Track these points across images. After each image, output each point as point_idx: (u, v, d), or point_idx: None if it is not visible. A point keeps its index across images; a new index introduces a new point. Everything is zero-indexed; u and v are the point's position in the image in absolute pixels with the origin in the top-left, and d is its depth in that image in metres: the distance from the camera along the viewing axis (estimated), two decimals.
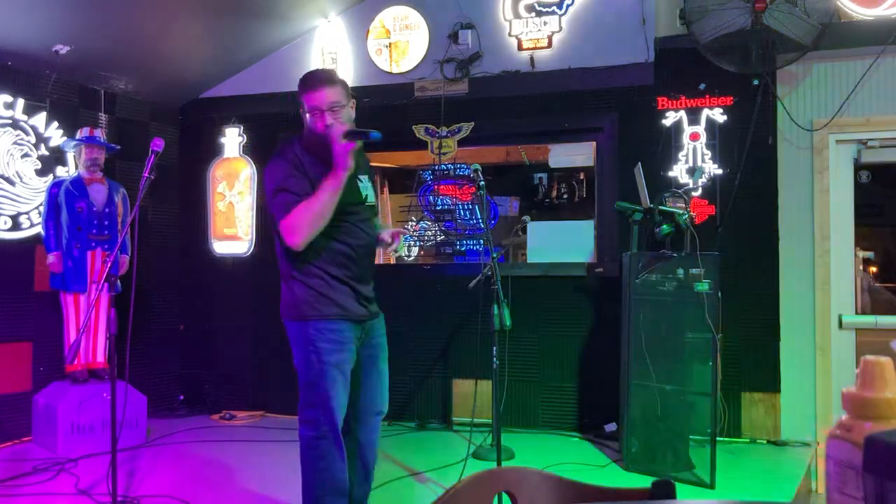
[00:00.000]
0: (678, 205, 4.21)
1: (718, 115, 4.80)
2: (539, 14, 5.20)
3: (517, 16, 5.26)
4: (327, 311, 2.76)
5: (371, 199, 2.91)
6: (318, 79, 2.76)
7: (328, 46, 5.65)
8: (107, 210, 4.75)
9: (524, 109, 5.25)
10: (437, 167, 5.67)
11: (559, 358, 5.02)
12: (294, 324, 2.80)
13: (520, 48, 5.25)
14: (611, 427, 4.75)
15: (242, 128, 5.81)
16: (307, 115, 2.75)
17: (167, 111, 5.92)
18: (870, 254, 5.68)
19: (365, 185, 2.89)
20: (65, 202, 4.63)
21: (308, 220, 2.63)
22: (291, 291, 2.81)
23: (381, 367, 2.97)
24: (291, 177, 2.68)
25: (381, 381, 2.98)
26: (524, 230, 5.29)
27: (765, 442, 4.60)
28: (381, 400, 3.00)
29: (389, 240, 2.99)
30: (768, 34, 4.33)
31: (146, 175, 2.93)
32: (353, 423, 2.94)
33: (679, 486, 2.07)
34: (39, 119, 4.88)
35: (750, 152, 4.68)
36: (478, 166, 3.80)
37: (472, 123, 5.38)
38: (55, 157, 4.97)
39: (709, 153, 4.83)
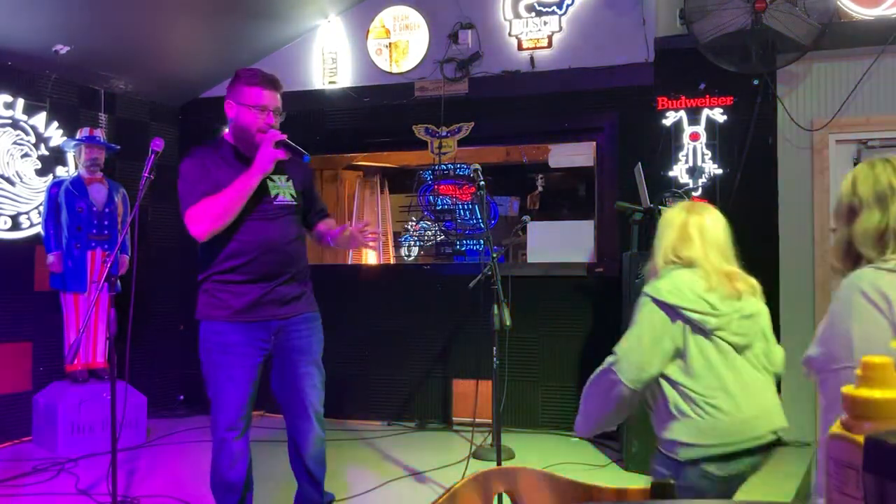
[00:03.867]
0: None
1: (718, 115, 4.80)
2: (539, 14, 5.20)
3: (517, 16, 5.26)
4: (215, 313, 2.79)
5: (287, 198, 2.87)
6: (267, 78, 2.81)
7: (328, 46, 5.65)
8: (107, 210, 4.75)
9: (524, 109, 5.25)
10: (437, 167, 5.67)
11: (559, 358, 5.02)
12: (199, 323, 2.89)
13: (520, 48, 5.25)
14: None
15: None
16: (241, 108, 2.77)
17: (167, 111, 5.92)
18: None
19: (278, 185, 2.86)
20: (65, 202, 4.63)
21: (214, 213, 2.67)
22: (197, 291, 2.88)
23: (304, 369, 2.88)
24: (200, 173, 2.75)
25: (308, 381, 2.89)
26: (524, 230, 5.29)
27: None
28: (310, 400, 2.90)
29: (347, 234, 2.91)
30: (768, 34, 4.33)
31: (146, 175, 2.92)
32: (289, 426, 2.95)
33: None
34: (39, 119, 4.88)
35: (750, 152, 4.68)
36: (478, 166, 3.80)
37: (472, 123, 5.38)
38: (55, 157, 4.97)
39: (709, 153, 4.83)
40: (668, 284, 2.26)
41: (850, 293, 1.51)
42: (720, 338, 2.22)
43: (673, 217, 2.43)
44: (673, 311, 2.20)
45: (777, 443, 2.30)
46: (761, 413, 2.26)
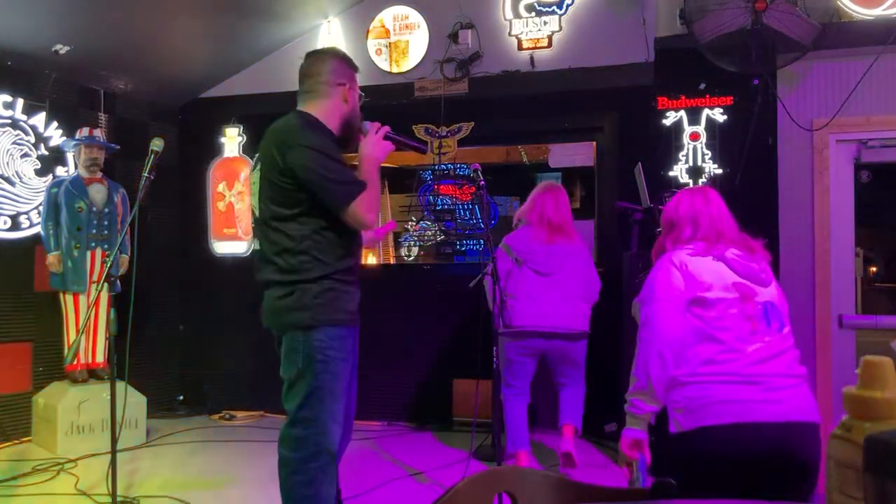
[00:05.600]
0: None
1: (718, 115, 4.80)
2: (539, 14, 5.20)
3: (517, 16, 5.26)
4: (339, 317, 2.50)
5: None
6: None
7: (328, 46, 5.64)
8: (106, 210, 4.75)
9: (524, 109, 5.25)
10: (437, 167, 5.67)
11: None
12: (299, 331, 2.48)
13: (520, 48, 5.25)
14: (611, 427, 4.75)
15: (242, 128, 5.81)
16: (354, 93, 2.70)
17: (167, 111, 5.92)
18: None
19: None
20: (64, 202, 4.63)
21: (378, 202, 2.50)
22: (297, 294, 2.48)
23: (355, 381, 2.72)
24: (338, 156, 2.53)
25: (354, 393, 2.75)
26: None
27: None
28: (353, 414, 2.75)
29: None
30: (768, 34, 4.33)
31: (146, 175, 2.92)
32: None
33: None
34: (39, 119, 4.88)
35: (750, 152, 4.67)
36: (478, 166, 3.80)
37: (472, 123, 5.38)
38: (55, 157, 4.97)
39: (709, 153, 4.83)
40: (512, 236, 3.98)
41: (663, 262, 2.24)
42: (529, 267, 3.84)
43: (532, 193, 4.05)
44: (508, 250, 3.91)
45: (569, 337, 3.85)
46: (543, 314, 3.78)
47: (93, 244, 4.69)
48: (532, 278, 3.82)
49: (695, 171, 4.84)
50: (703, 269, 2.17)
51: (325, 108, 2.63)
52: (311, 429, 2.46)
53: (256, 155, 2.66)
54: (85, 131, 4.76)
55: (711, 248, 2.22)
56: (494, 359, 3.64)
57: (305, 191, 2.45)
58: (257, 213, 2.58)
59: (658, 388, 2.09)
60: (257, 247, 2.62)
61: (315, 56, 2.78)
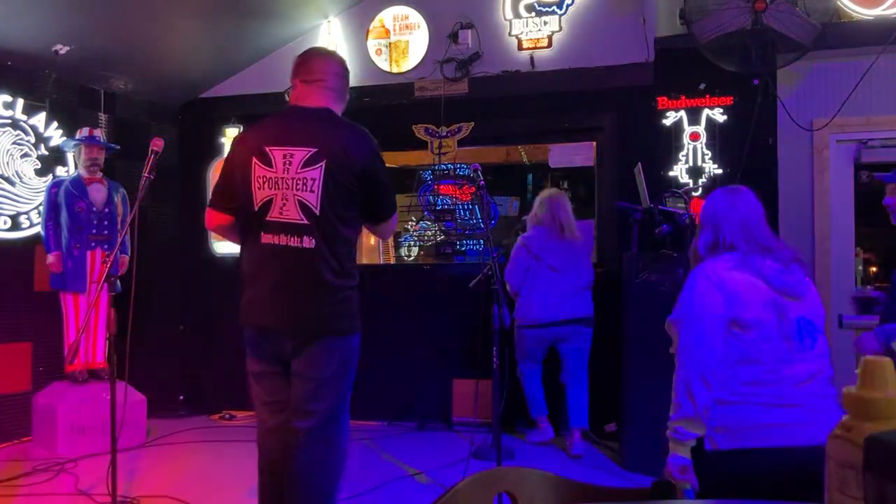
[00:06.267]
0: (678, 205, 4.21)
1: (718, 115, 4.80)
2: (539, 14, 5.20)
3: (517, 15, 5.26)
4: (359, 323, 2.59)
5: None
6: None
7: (328, 46, 5.64)
8: (106, 210, 4.75)
9: (524, 109, 5.25)
10: (437, 167, 5.67)
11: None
12: (339, 336, 2.54)
13: (520, 48, 5.25)
14: (611, 427, 4.75)
15: (242, 128, 5.80)
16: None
17: (167, 111, 5.92)
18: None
19: None
20: (64, 202, 4.63)
21: None
22: (347, 302, 2.53)
23: None
24: None
25: None
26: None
27: None
28: None
29: None
30: (768, 34, 4.33)
31: (146, 175, 2.93)
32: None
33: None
34: (39, 119, 4.88)
35: (750, 152, 4.68)
36: (478, 166, 3.81)
37: (472, 123, 5.38)
38: (55, 157, 4.97)
39: (709, 153, 4.83)
40: (529, 236, 4.57)
41: (697, 277, 2.16)
42: (546, 263, 4.43)
43: (539, 196, 4.72)
44: (527, 247, 4.51)
45: (580, 321, 4.49)
46: (558, 305, 4.43)
47: (93, 244, 4.69)
48: (548, 274, 4.43)
49: (695, 171, 4.85)
50: (741, 286, 2.10)
51: (342, 112, 2.71)
52: (334, 427, 2.56)
53: (301, 148, 2.51)
54: (85, 131, 4.76)
55: (747, 260, 2.15)
56: (494, 359, 3.64)
57: (362, 195, 2.50)
58: (317, 210, 2.46)
59: (704, 415, 2.04)
60: (300, 243, 2.50)
61: (339, 59, 2.82)
